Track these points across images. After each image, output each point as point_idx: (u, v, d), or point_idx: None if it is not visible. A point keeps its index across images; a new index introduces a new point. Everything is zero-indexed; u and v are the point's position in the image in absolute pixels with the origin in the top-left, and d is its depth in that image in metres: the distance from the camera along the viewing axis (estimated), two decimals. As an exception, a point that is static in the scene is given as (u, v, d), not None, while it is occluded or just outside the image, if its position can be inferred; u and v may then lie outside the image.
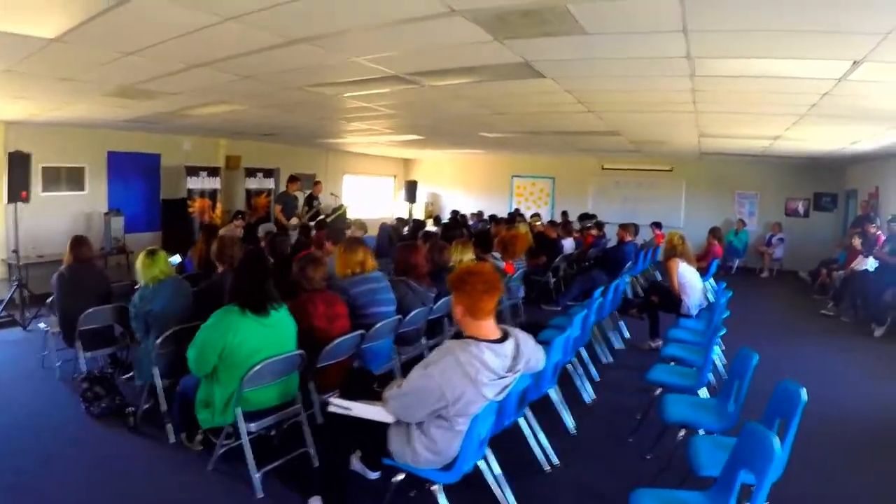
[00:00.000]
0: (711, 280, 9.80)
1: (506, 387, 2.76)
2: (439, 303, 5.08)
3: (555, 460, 3.97)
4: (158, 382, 4.30)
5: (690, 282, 6.50)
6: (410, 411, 2.76)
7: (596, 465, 4.07)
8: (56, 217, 9.45)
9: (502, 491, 3.33)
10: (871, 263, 9.03)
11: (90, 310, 4.97)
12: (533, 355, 2.99)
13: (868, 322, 8.16)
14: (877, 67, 4.39)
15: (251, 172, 12.05)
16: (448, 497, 2.90)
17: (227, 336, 3.51)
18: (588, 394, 5.19)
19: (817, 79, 4.93)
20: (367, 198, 16.89)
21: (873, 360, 6.79)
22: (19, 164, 7.65)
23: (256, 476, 3.54)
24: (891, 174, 10.50)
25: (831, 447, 4.41)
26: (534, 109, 7.54)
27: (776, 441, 2.30)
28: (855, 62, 4.29)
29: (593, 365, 5.71)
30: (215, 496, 3.60)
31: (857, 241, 9.35)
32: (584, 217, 12.54)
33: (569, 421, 4.54)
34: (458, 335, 2.86)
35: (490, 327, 2.79)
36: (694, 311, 6.41)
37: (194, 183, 10.83)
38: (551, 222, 11.59)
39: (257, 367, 3.45)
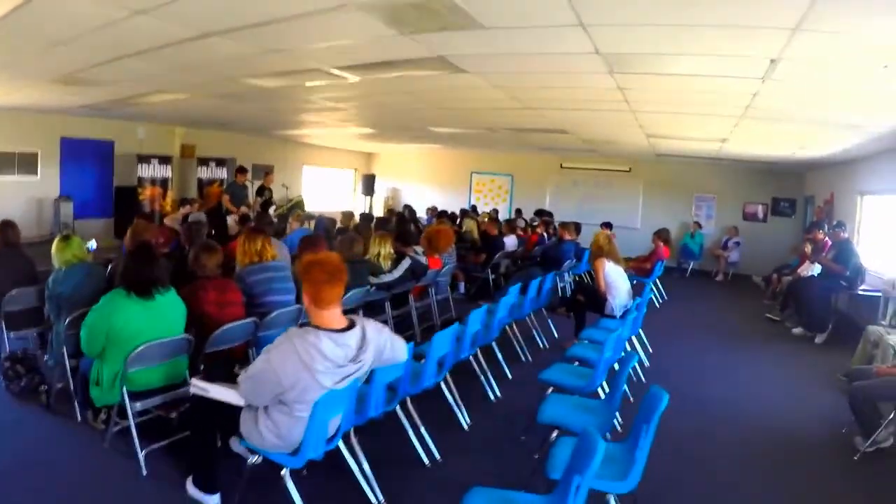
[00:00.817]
0: (658, 281, 10.13)
1: (347, 376, 2.89)
2: (349, 294, 5.24)
3: (436, 455, 4.03)
4: (66, 362, 4.45)
5: (616, 282, 6.60)
6: (254, 395, 2.93)
7: (480, 462, 4.14)
8: (8, 201, 9.55)
9: (368, 483, 3.40)
10: (815, 269, 9.25)
11: (13, 291, 5.11)
12: (387, 346, 3.13)
13: (811, 329, 8.19)
14: (795, 67, 4.53)
15: (204, 162, 12.29)
16: (315, 484, 3.07)
17: (112, 318, 3.68)
18: (493, 391, 5.26)
19: (741, 77, 5.06)
20: (327, 190, 17.14)
21: (807, 367, 6.84)
22: None
23: (141, 454, 3.69)
24: (844, 181, 10.71)
25: (721, 453, 4.50)
26: (473, 105, 7.75)
27: (601, 445, 2.30)
28: (772, 61, 4.43)
29: (506, 364, 5.78)
30: (105, 472, 3.76)
31: (807, 248, 9.52)
32: (540, 213, 12.76)
33: (462, 417, 4.60)
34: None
35: (333, 316, 2.91)
36: (618, 312, 6.43)
37: (145, 171, 11.04)
38: (508, 220, 11.71)
39: (140, 349, 3.61)
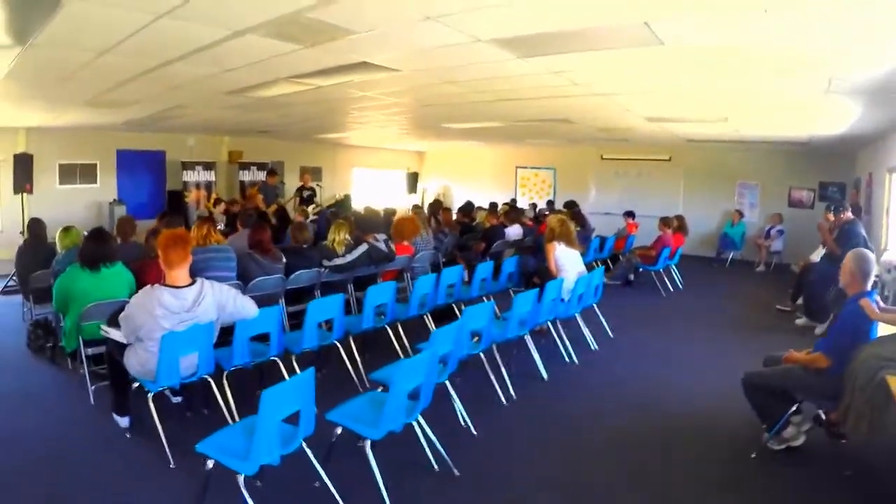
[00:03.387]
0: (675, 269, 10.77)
1: (184, 321, 4.09)
2: (297, 273, 6.47)
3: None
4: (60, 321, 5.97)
5: (566, 265, 7.15)
6: (125, 333, 4.21)
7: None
8: (71, 205, 11.66)
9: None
10: (818, 254, 9.44)
11: (37, 273, 6.77)
12: (229, 303, 4.35)
13: (813, 318, 8.13)
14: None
15: (245, 166, 14.11)
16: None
17: (69, 284, 5.15)
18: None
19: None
20: (379, 189, 18.66)
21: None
22: (23, 163, 9.76)
23: (91, 389, 5.18)
24: (878, 158, 10.44)
25: (621, 441, 4.72)
26: (452, 101, 8.75)
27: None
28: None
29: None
30: (64, 397, 5.39)
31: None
32: (569, 205, 13.54)
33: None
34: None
35: (178, 276, 4.13)
36: (566, 295, 6.78)
37: (190, 176, 13.01)
38: (511, 210, 11.99)
39: (88, 307, 5.02)
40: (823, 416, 4.41)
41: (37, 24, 4.63)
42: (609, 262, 11.98)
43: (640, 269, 11.14)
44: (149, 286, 4.17)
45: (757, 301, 10.12)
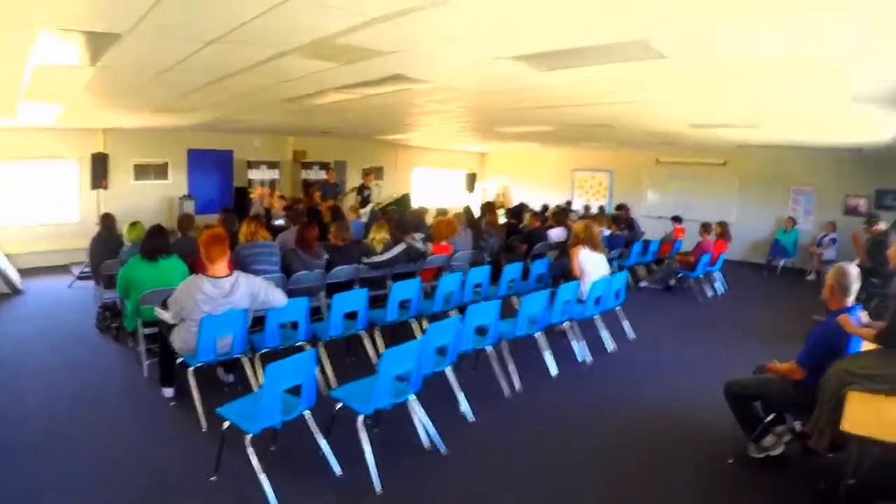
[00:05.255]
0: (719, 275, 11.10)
1: (221, 305, 4.84)
2: (337, 268, 7.17)
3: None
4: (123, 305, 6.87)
5: (589, 269, 7.33)
6: (172, 314, 4.99)
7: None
8: (146, 200, 12.92)
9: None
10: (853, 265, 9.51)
11: (106, 261, 7.72)
12: (261, 292, 5.09)
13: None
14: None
15: (307, 165, 15.08)
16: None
17: (130, 273, 6.03)
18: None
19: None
20: (440, 189, 19.51)
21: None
22: (100, 161, 10.98)
23: (146, 363, 6.09)
24: None
25: (614, 444, 5.01)
26: (494, 107, 9.32)
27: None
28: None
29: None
30: (123, 370, 6.35)
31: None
32: (619, 208, 13.92)
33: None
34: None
35: (217, 268, 4.90)
36: (586, 297, 7.13)
37: (254, 174, 14.10)
38: (556, 212, 12.46)
39: (146, 293, 5.86)
40: (799, 428, 4.63)
41: (103, 51, 5.46)
42: (654, 266, 12.27)
43: (680, 275, 11.40)
44: (193, 276, 4.98)
45: (798, 310, 9.88)
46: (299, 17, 4.42)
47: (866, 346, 4.34)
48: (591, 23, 4.53)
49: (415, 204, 15.89)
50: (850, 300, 4.40)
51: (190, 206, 12.76)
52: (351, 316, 6.11)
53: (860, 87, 6.28)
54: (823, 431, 3.87)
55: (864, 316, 4.49)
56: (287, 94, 8.28)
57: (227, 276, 4.95)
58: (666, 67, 5.82)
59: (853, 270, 4.47)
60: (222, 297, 4.87)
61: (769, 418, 4.55)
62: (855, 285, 4.41)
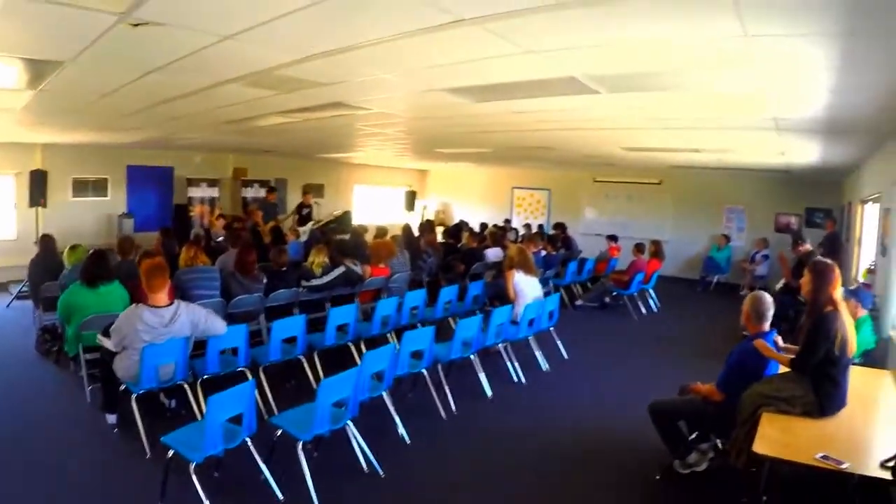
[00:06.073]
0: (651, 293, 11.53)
1: (162, 335, 5.02)
2: (276, 293, 7.35)
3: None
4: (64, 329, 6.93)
5: (524, 291, 7.65)
6: (114, 342, 5.13)
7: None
8: (84, 217, 12.89)
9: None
10: (780, 283, 10.09)
11: (46, 284, 7.74)
12: (201, 321, 5.29)
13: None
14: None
15: (248, 183, 15.21)
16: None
17: (71, 298, 6.14)
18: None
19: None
20: (380, 206, 19.81)
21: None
22: (38, 178, 10.89)
23: (88, 389, 6.18)
24: (855, 188, 10.97)
25: (532, 459, 5.32)
26: (432, 132, 9.69)
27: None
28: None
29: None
30: (64, 395, 6.44)
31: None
32: (557, 227, 14.40)
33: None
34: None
35: (158, 298, 5.10)
36: (520, 319, 7.42)
37: (195, 192, 14.14)
38: (493, 233, 12.89)
39: (87, 319, 5.99)
40: (720, 446, 4.90)
41: (44, 77, 5.61)
42: (589, 284, 12.75)
43: (615, 293, 11.88)
44: (133, 305, 5.13)
45: (729, 326, 9.88)
46: (240, 52, 4.67)
47: (783, 368, 4.58)
48: (519, 63, 4.89)
49: (356, 220, 16.15)
50: (767, 325, 4.73)
51: (129, 224, 12.76)
52: (290, 340, 6.32)
53: (782, 120, 6.82)
54: (741, 450, 4.10)
55: (779, 340, 4.82)
56: (228, 118, 8.47)
57: (168, 305, 5.13)
58: (598, 100, 6.24)
59: (768, 298, 4.78)
60: (163, 326, 5.04)
61: (693, 436, 4.86)
62: (770, 311, 4.74)
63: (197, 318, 5.27)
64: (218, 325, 5.43)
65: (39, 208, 11.66)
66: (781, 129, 7.32)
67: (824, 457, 3.52)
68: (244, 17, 3.91)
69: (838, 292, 4.33)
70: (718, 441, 4.94)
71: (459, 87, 6.12)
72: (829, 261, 4.49)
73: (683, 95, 5.81)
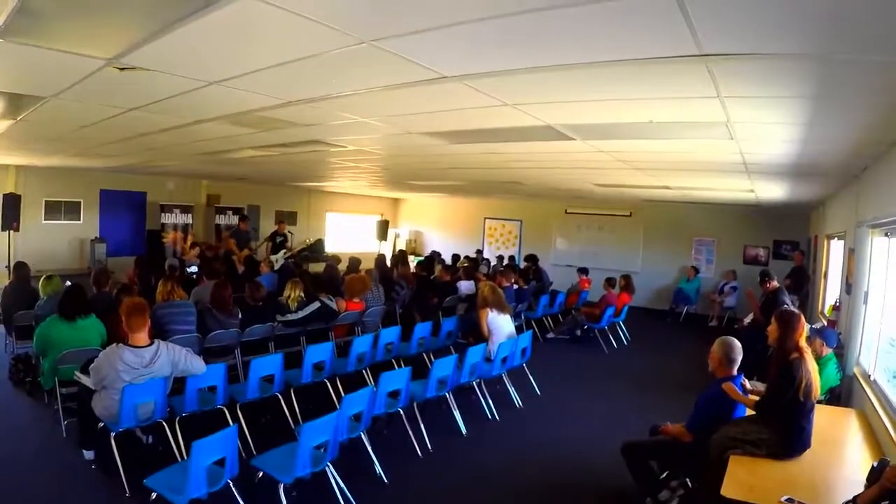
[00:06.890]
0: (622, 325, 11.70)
1: (143, 375, 5.08)
2: (252, 328, 7.42)
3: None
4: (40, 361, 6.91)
5: (498, 328, 7.76)
6: (93, 381, 5.17)
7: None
8: (56, 240, 12.87)
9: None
10: (749, 319, 10.41)
11: (19, 312, 7.71)
12: (181, 360, 5.35)
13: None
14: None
15: (221, 210, 15.25)
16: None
17: (48, 332, 6.17)
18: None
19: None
20: (353, 235, 19.93)
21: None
22: (11, 202, 10.85)
23: (64, 423, 6.18)
24: (822, 224, 11.37)
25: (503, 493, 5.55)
26: (406, 168, 9.89)
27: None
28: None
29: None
30: (39, 429, 6.39)
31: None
32: (528, 259, 14.61)
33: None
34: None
35: (138, 337, 5.14)
36: (494, 357, 7.54)
37: (168, 218, 14.20)
38: (466, 266, 13.31)
39: (64, 353, 6.02)
40: (689, 484, 4.95)
41: (25, 109, 5.72)
42: (560, 317, 12.95)
43: (586, 326, 12.08)
44: (114, 345, 5.17)
45: (697, 358, 9.64)
46: (225, 95, 4.83)
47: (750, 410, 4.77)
48: (497, 113, 5.10)
49: (328, 248, 16.27)
50: (735, 369, 4.95)
51: (101, 249, 12.74)
52: (268, 378, 6.39)
53: (751, 164, 7.18)
54: (710, 491, 4.16)
55: (746, 383, 5.05)
56: (206, 150, 8.59)
57: (148, 345, 5.19)
58: (572, 145, 6.48)
59: (737, 344, 5.00)
60: (143, 367, 5.10)
61: (664, 475, 5.02)
62: (739, 357, 4.95)
63: (177, 358, 5.34)
64: (197, 365, 5.50)
65: (11, 232, 11.55)
66: (751, 171, 7.67)
67: (789, 500, 3.73)
68: (231, 68, 4.07)
69: (803, 339, 4.58)
70: (688, 479, 5.02)
71: (437, 132, 6.36)
72: (794, 310, 4.80)
73: (655, 143, 6.09)
